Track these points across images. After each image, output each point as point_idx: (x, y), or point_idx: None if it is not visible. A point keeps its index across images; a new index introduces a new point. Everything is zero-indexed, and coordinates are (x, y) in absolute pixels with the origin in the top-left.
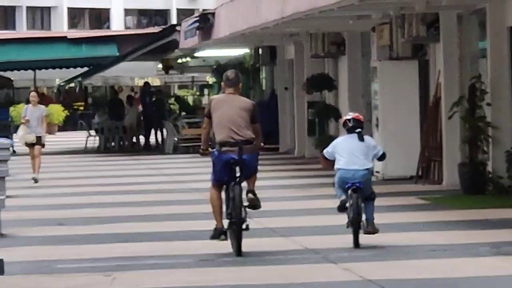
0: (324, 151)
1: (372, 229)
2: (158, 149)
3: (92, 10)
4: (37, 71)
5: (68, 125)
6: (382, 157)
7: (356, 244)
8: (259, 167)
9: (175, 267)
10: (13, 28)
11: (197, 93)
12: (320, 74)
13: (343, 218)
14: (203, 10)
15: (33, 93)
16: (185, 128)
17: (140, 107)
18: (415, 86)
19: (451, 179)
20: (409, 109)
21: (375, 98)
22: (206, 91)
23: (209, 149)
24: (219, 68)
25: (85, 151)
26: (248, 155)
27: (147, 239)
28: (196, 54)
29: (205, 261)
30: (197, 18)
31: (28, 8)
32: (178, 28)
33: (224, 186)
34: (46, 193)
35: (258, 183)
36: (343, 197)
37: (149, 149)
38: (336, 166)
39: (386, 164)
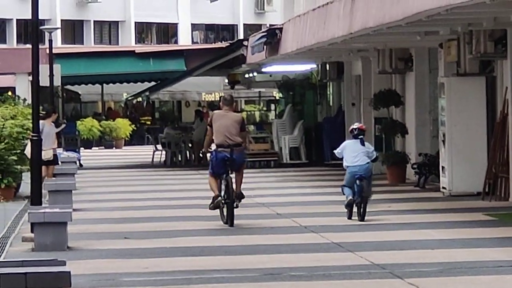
0: (335, 150)
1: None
2: None
3: (159, 24)
4: (104, 85)
5: (135, 139)
6: (375, 159)
7: (362, 218)
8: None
9: (241, 281)
10: (81, 42)
11: (264, 108)
12: (387, 90)
13: (408, 234)
14: (270, 25)
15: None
16: (252, 143)
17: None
18: (482, 103)
19: None
20: (476, 125)
21: (442, 114)
22: (272, 106)
23: (209, 149)
24: (286, 83)
25: (152, 165)
26: (237, 154)
27: (212, 253)
28: (263, 69)
29: (271, 275)
30: (265, 33)
31: (96, 22)
32: (245, 43)
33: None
34: (112, 206)
35: (324, 197)
36: (350, 197)
37: None
38: (345, 164)
39: (452, 181)
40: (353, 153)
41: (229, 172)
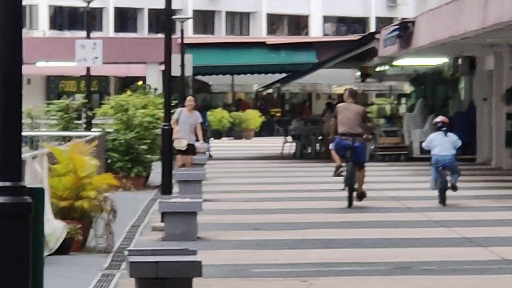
0: (423, 144)
1: (452, 185)
2: None
3: (291, 16)
4: (235, 76)
5: (265, 130)
6: (459, 148)
7: (443, 202)
8: None
9: (372, 274)
10: (212, 32)
11: (395, 102)
12: None
13: None
14: (403, 18)
15: (190, 97)
16: (383, 136)
17: None
18: None
19: None
20: None
21: None
22: (403, 100)
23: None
24: (417, 77)
25: (281, 156)
26: (358, 143)
27: (343, 245)
28: (394, 63)
29: (402, 268)
30: (397, 26)
31: (228, 13)
32: (377, 36)
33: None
34: (241, 197)
35: (455, 192)
36: (439, 183)
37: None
38: (432, 153)
39: None
40: (440, 143)
41: (350, 158)
